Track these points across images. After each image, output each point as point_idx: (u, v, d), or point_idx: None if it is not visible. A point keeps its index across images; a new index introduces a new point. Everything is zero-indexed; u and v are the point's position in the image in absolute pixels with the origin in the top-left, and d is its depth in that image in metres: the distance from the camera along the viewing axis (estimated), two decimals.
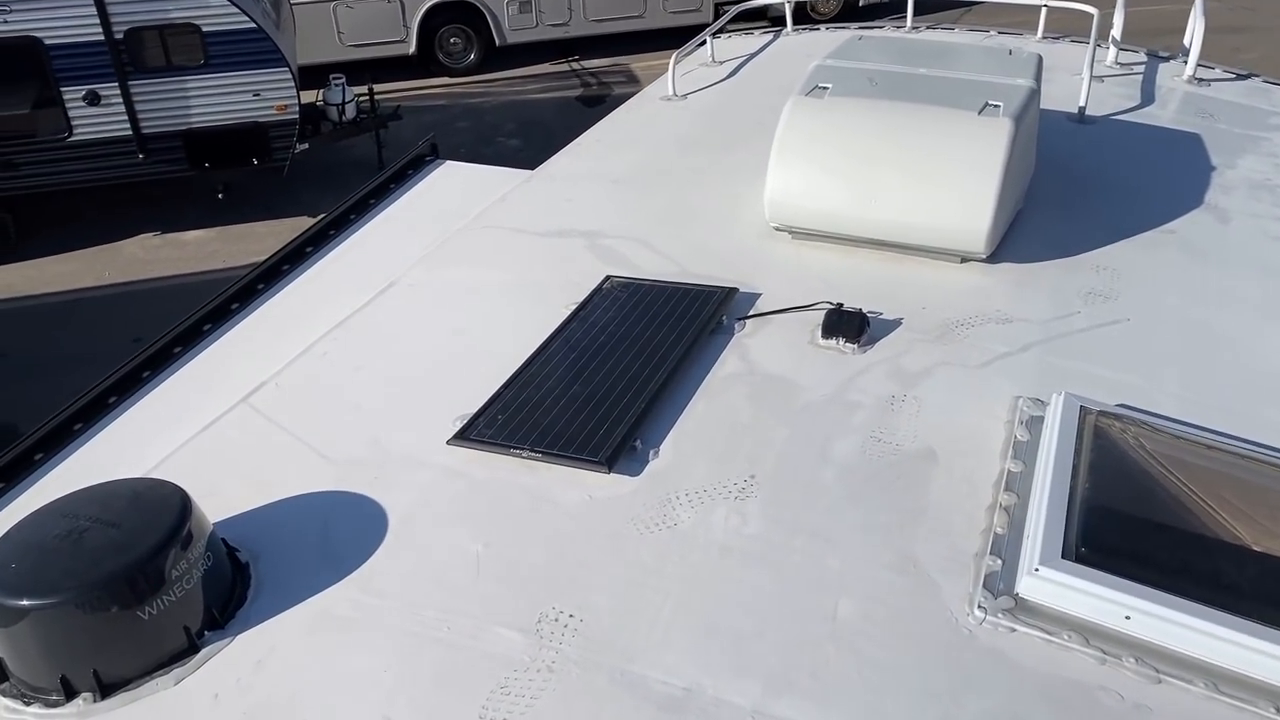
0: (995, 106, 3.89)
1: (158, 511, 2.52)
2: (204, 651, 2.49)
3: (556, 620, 2.50)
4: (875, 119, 3.95)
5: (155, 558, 2.42)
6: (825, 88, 4.12)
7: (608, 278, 3.85)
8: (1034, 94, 4.06)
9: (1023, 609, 2.51)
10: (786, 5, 6.74)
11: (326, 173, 13.01)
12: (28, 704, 2.40)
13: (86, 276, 11.90)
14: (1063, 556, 2.54)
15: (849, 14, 16.50)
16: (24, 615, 2.33)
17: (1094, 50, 5.47)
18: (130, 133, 11.60)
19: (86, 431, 3.73)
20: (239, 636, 2.53)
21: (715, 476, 2.94)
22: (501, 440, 3.03)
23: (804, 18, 16.49)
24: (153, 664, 2.44)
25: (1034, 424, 3.10)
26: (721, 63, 6.31)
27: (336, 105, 12.76)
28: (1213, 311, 3.71)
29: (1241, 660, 2.35)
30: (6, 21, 10.83)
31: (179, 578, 2.46)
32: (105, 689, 2.40)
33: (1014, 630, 2.47)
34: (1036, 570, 2.52)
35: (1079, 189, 4.53)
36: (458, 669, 2.39)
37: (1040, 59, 4.40)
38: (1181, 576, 2.51)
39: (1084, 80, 5.18)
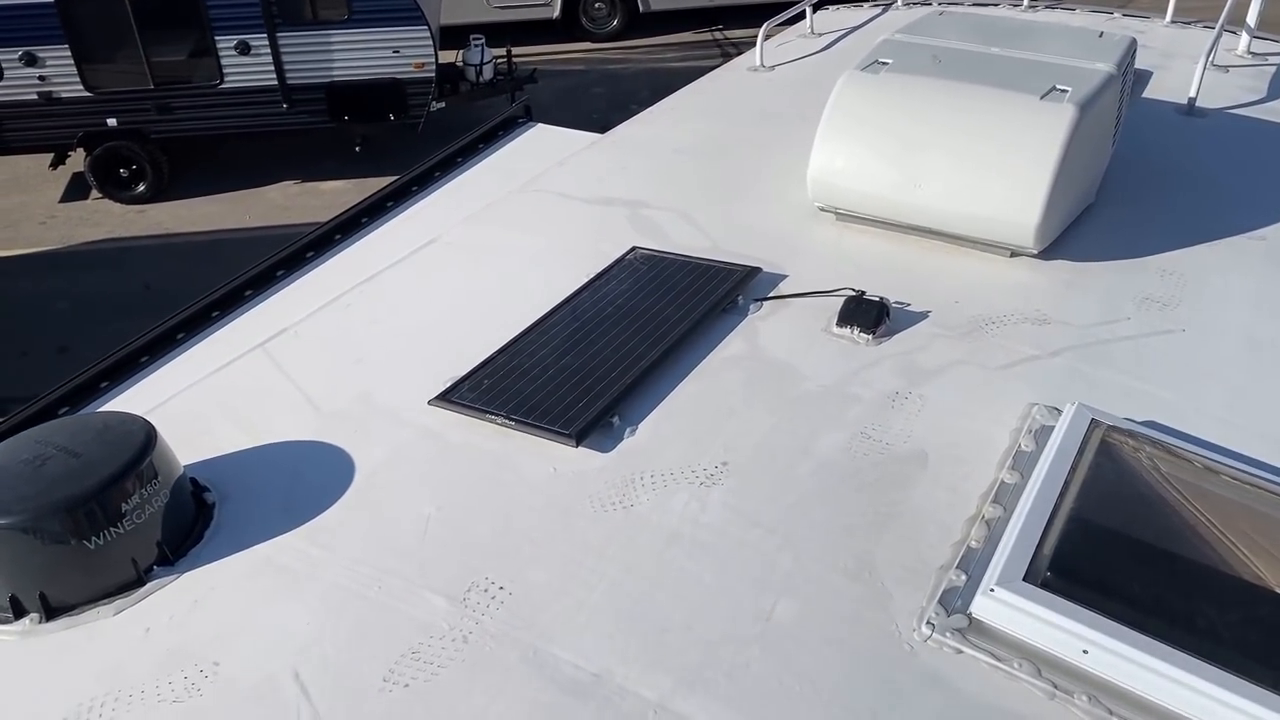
0: (1062, 91, 3.61)
1: (119, 446, 2.59)
2: (149, 585, 2.55)
3: (485, 591, 2.46)
4: (927, 98, 3.72)
5: (106, 490, 2.49)
6: (884, 64, 3.90)
7: (633, 249, 3.77)
8: (1112, 80, 3.74)
9: (976, 630, 2.34)
10: None
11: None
12: None
13: (230, 218, 12.48)
14: (1025, 578, 2.35)
15: None
16: None
17: (1218, 36, 5.03)
18: (276, 83, 12.05)
19: (150, 364, 3.90)
20: (185, 575, 2.58)
21: (686, 460, 2.83)
22: (480, 405, 3.00)
23: None
24: (98, 592, 2.52)
25: (1042, 434, 2.88)
26: (820, 35, 6.09)
27: (475, 66, 12.95)
28: None
29: (1203, 710, 2.12)
30: None
31: (130, 511, 2.52)
32: (51, 612, 2.49)
33: (960, 652, 2.30)
34: (991, 590, 2.34)
35: (1165, 185, 4.18)
36: (376, 629, 2.38)
37: (1133, 43, 4.06)
38: (1155, 613, 2.29)
39: (1197, 68, 4.77)
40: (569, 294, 3.52)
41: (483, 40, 12.98)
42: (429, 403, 3.06)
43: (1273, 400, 3.07)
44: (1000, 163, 3.56)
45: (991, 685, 2.23)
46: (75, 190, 12.87)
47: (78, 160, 12.50)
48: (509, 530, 2.64)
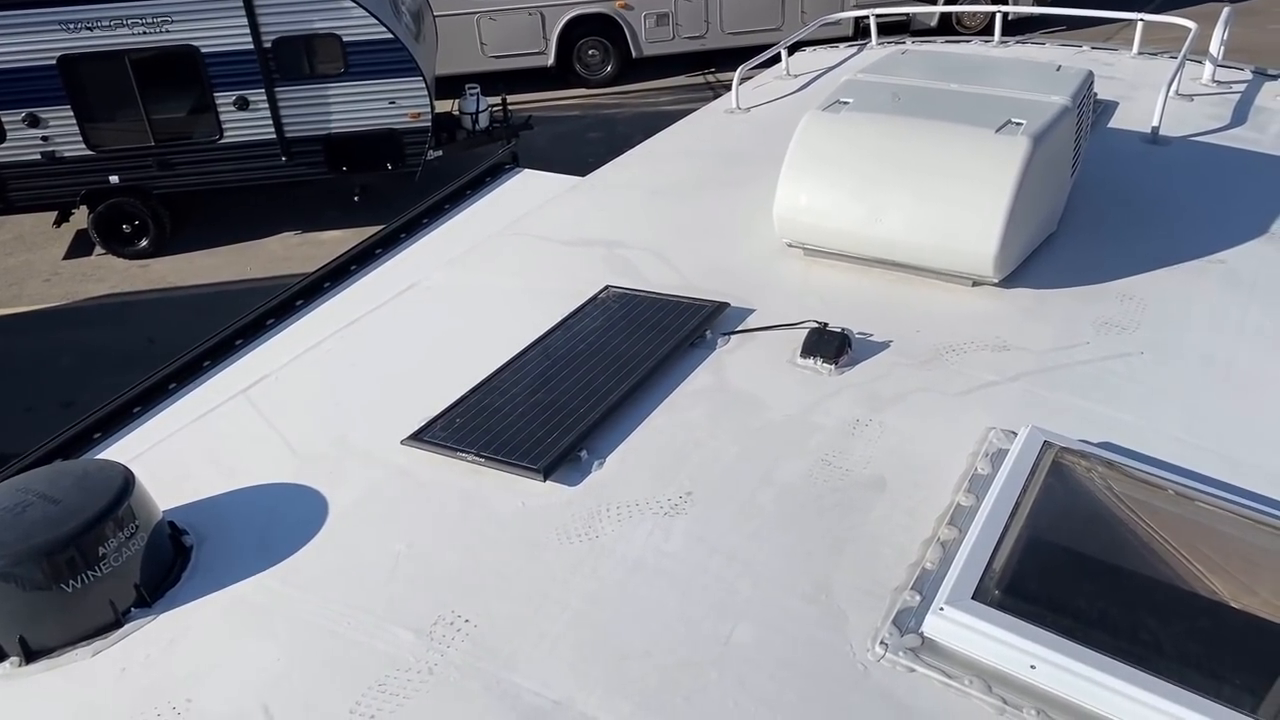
0: (1016, 124, 3.71)
1: (97, 492, 2.67)
2: (126, 627, 2.62)
3: (451, 624, 2.53)
4: (887, 135, 3.82)
5: (83, 534, 2.57)
6: (846, 103, 4.02)
7: (606, 287, 3.86)
8: (1067, 112, 3.84)
9: (929, 649, 2.39)
10: (872, 19, 6.59)
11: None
12: None
13: (231, 270, 12.65)
14: (974, 597, 2.41)
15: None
16: None
17: (1180, 66, 5.15)
18: (275, 136, 12.26)
19: (143, 414, 4.00)
20: (161, 616, 2.65)
21: (651, 491, 2.91)
22: (451, 443, 3.08)
23: (951, 32, 16.09)
24: (77, 635, 2.59)
25: (998, 457, 2.94)
26: (796, 76, 6.23)
27: (470, 114, 13.16)
28: (1241, 350, 3.43)
29: None
30: (168, 31, 11.63)
31: (108, 555, 2.60)
32: (30, 655, 2.56)
33: (913, 670, 2.35)
34: (941, 609, 2.40)
35: (1127, 214, 4.26)
36: (344, 663, 2.45)
37: (1089, 75, 4.17)
38: (1102, 628, 2.34)
39: (1159, 98, 4.88)
40: (542, 333, 3.61)
41: (478, 89, 13.20)
42: (402, 442, 3.15)
43: (1228, 419, 3.13)
44: (958, 195, 3.66)
45: (942, 703, 2.29)
46: (79, 247, 13.06)
47: (81, 218, 12.70)
48: (476, 565, 2.71)
